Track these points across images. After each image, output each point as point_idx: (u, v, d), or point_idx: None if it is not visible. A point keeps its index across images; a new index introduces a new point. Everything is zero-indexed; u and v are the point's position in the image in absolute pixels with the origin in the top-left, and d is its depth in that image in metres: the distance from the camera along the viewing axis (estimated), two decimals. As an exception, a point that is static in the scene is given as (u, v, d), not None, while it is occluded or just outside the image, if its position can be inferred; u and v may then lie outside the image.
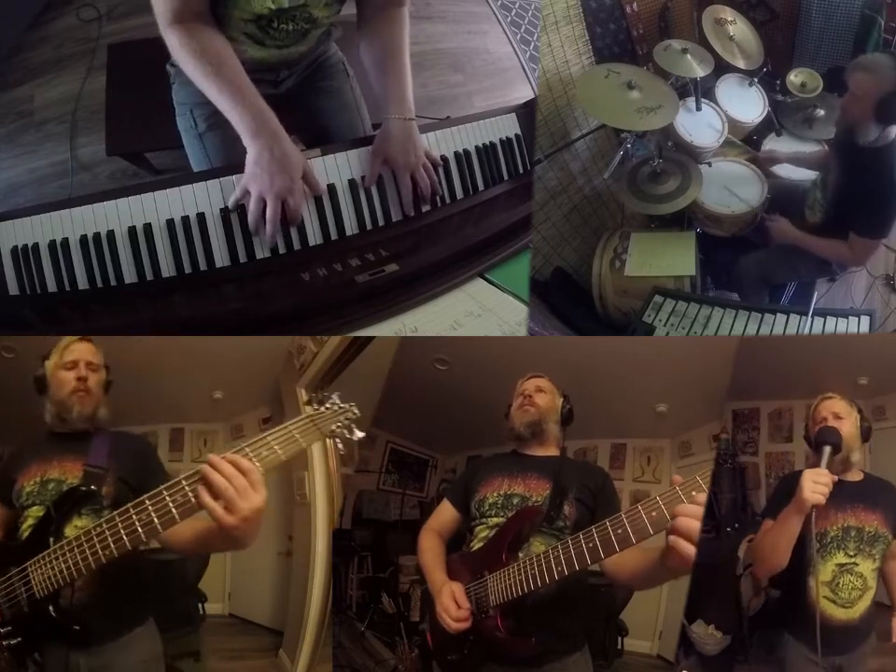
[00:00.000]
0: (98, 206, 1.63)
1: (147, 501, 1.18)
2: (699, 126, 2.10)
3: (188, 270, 1.65)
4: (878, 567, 1.57)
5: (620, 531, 1.22)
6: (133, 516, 1.18)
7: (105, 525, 1.20)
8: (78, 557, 1.23)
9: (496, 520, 1.48)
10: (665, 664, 2.14)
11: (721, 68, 2.12)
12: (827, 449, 1.49)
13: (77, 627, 1.35)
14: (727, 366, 1.97)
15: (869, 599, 1.55)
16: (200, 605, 2.32)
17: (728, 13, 2.12)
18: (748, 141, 2.20)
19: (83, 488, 1.41)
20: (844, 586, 1.53)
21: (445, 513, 1.61)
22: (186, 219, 1.65)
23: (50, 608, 1.31)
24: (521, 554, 1.39)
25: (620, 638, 2.12)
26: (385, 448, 2.66)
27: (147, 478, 1.40)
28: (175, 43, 1.57)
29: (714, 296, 2.11)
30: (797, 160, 2.10)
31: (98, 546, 1.21)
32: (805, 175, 2.06)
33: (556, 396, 1.63)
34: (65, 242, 1.61)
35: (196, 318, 1.58)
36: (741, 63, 2.13)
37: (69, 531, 1.35)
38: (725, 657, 1.97)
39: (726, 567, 1.95)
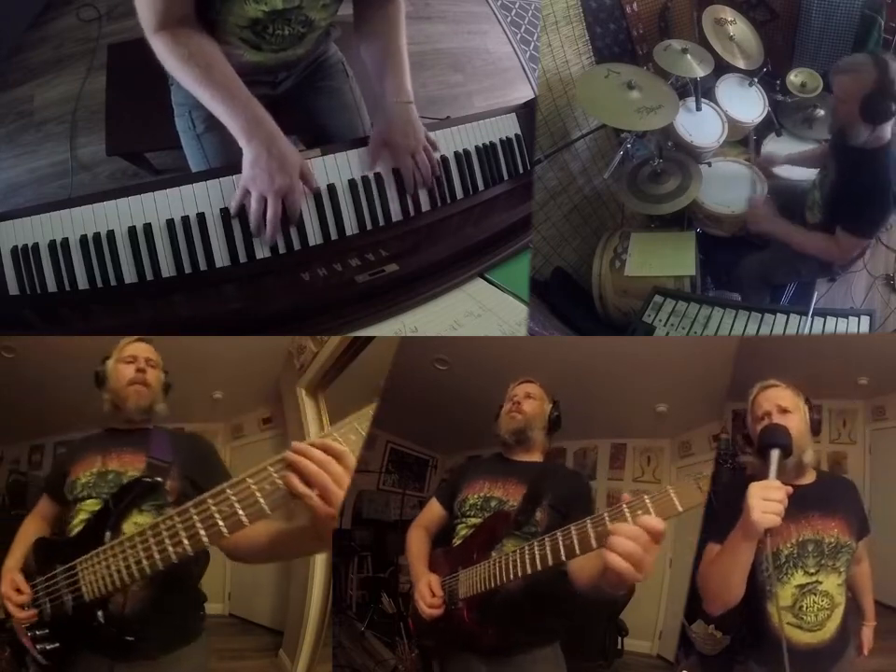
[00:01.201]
0: (98, 206, 1.63)
1: (227, 490, 1.00)
2: (699, 126, 2.10)
3: (188, 270, 1.64)
4: (845, 581, 1.36)
5: (567, 542, 1.23)
6: (212, 507, 1.00)
7: (177, 519, 1.04)
8: (142, 555, 1.08)
9: (473, 520, 1.54)
10: (665, 664, 2.14)
11: (721, 68, 2.12)
12: (775, 453, 1.23)
13: (131, 639, 1.21)
14: (727, 366, 1.97)
15: (839, 617, 1.35)
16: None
17: (728, 13, 2.12)
18: (747, 141, 2.20)
19: (147, 479, 1.33)
20: (808, 609, 1.31)
21: (432, 510, 1.66)
22: (186, 219, 1.65)
23: (99, 613, 1.18)
24: (494, 554, 1.45)
25: (620, 638, 2.12)
26: (385, 448, 2.66)
27: (213, 478, 1.25)
28: (161, 49, 1.56)
29: (714, 296, 2.11)
30: (794, 159, 2.10)
31: (169, 542, 1.04)
32: (805, 174, 2.06)
33: (545, 402, 1.65)
34: (65, 242, 1.61)
35: (196, 318, 1.58)
36: (741, 63, 2.13)
37: (127, 527, 1.26)
38: (725, 657, 1.97)
39: (726, 567, 1.94)
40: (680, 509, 1.16)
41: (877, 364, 2.11)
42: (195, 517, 1.03)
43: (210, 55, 1.57)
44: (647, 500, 1.15)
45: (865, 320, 1.92)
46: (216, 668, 2.15)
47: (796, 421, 1.33)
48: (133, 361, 1.52)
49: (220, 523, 1.01)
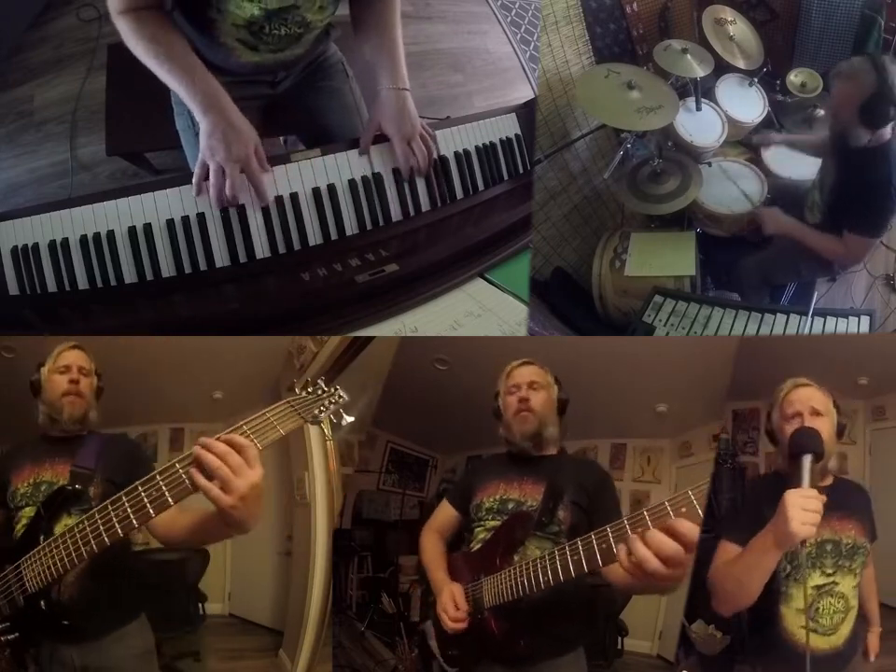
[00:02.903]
0: (98, 206, 1.63)
1: (139, 487, 1.14)
2: (699, 126, 2.10)
3: (188, 270, 1.65)
4: (858, 583, 1.36)
5: (604, 546, 1.19)
6: (126, 503, 1.15)
7: (97, 516, 1.18)
8: (71, 549, 1.21)
9: (492, 523, 1.49)
10: (665, 664, 2.14)
11: (721, 68, 2.12)
12: (808, 459, 1.20)
13: (67, 622, 1.36)
14: (727, 366, 1.97)
15: (852, 620, 1.35)
16: (200, 605, 2.32)
17: (728, 13, 2.12)
18: (747, 141, 2.20)
19: (69, 488, 1.44)
20: (824, 611, 1.30)
21: (445, 514, 1.62)
22: (186, 219, 1.65)
23: (42, 602, 1.32)
24: (516, 558, 1.40)
25: (620, 638, 2.11)
26: (385, 448, 2.66)
27: (134, 477, 1.39)
28: (125, 29, 1.60)
29: (714, 296, 2.11)
30: (792, 142, 2.10)
31: (91, 536, 1.18)
32: (805, 174, 2.06)
33: (551, 387, 1.57)
34: (65, 242, 1.61)
35: (196, 318, 1.58)
36: (741, 63, 2.13)
37: (58, 530, 1.36)
38: (725, 657, 1.97)
39: (726, 567, 1.94)
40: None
41: (877, 364, 2.11)
42: (112, 513, 1.16)
43: (172, 35, 1.61)
44: (690, 493, 1.13)
45: (865, 320, 1.92)
46: (216, 668, 2.17)
47: (827, 425, 1.32)
48: (67, 371, 1.55)
49: (132, 516, 1.15)
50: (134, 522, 1.15)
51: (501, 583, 1.38)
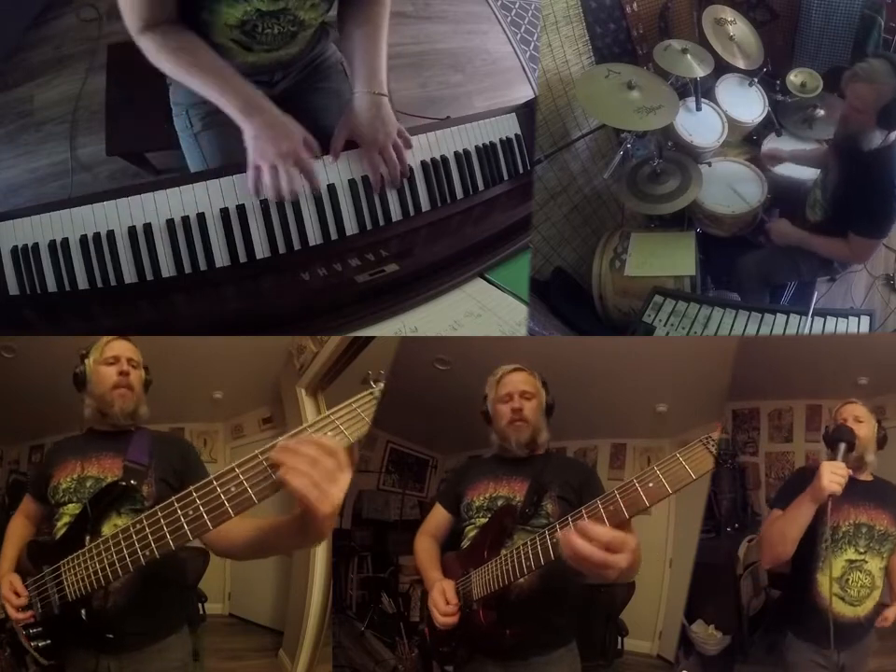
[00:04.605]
0: (98, 206, 1.63)
1: (213, 482, 1.00)
2: (699, 126, 2.10)
3: (188, 270, 1.64)
4: (885, 566, 1.60)
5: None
6: (198, 501, 1.00)
7: (159, 514, 1.05)
8: (126, 553, 1.10)
9: (483, 520, 1.53)
10: (664, 664, 2.14)
11: (721, 68, 2.12)
12: (842, 446, 1.55)
13: (111, 636, 1.27)
14: (727, 366, 1.97)
15: (875, 598, 1.59)
16: (200, 605, 2.32)
17: (728, 13, 2.13)
18: (747, 141, 2.20)
19: (122, 483, 1.35)
20: (853, 583, 1.57)
21: (437, 516, 1.65)
22: (186, 219, 1.65)
23: (83, 612, 1.23)
24: (504, 551, 1.42)
25: (620, 638, 2.11)
26: (385, 448, 2.66)
27: (190, 479, 1.28)
28: (150, 47, 1.58)
29: (714, 296, 2.11)
30: (798, 157, 2.10)
31: (152, 539, 1.05)
32: (805, 173, 2.06)
33: (540, 393, 1.61)
34: (65, 242, 1.60)
35: (196, 318, 1.58)
36: (741, 63, 2.13)
37: (106, 530, 1.28)
38: (725, 657, 1.98)
39: (726, 567, 1.95)
40: (693, 476, 1.15)
41: (877, 364, 2.11)
42: (179, 512, 1.03)
43: (197, 45, 1.59)
44: (657, 471, 1.15)
45: (865, 320, 1.92)
46: (216, 668, 2.16)
47: (865, 429, 1.65)
48: (116, 362, 1.49)
49: (205, 516, 1.01)
50: (209, 523, 1.01)
51: (488, 574, 1.41)
